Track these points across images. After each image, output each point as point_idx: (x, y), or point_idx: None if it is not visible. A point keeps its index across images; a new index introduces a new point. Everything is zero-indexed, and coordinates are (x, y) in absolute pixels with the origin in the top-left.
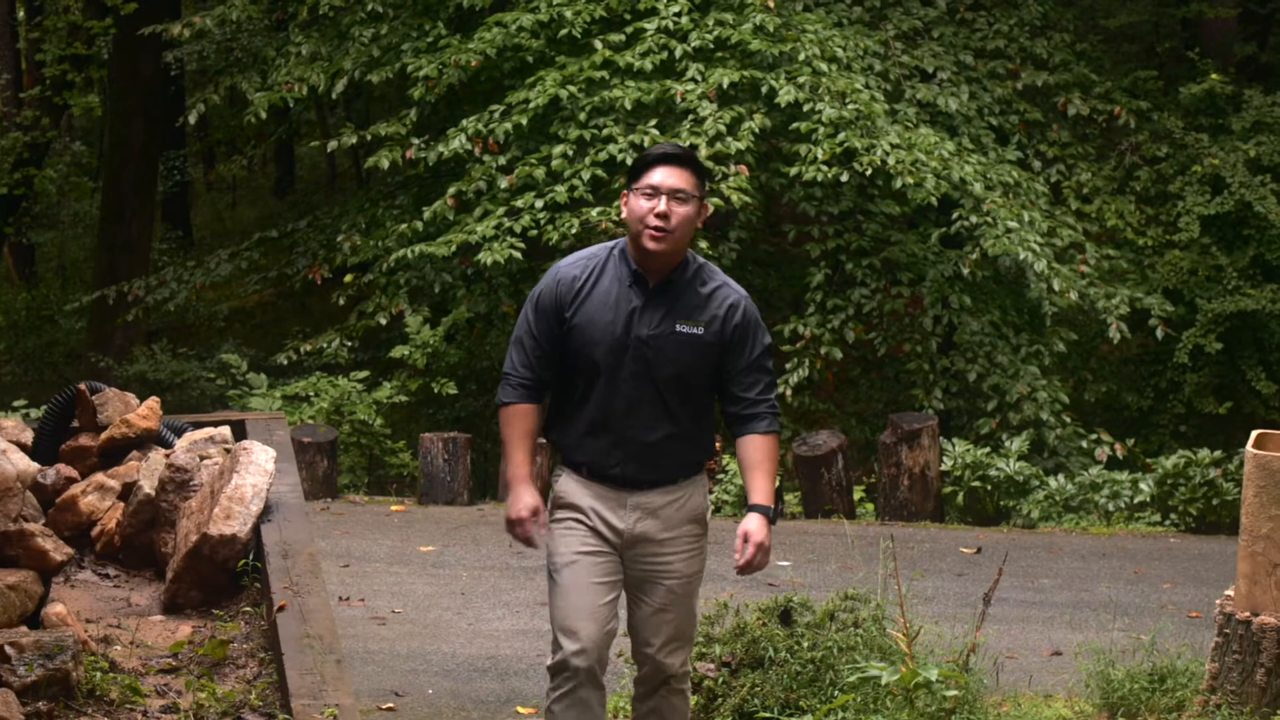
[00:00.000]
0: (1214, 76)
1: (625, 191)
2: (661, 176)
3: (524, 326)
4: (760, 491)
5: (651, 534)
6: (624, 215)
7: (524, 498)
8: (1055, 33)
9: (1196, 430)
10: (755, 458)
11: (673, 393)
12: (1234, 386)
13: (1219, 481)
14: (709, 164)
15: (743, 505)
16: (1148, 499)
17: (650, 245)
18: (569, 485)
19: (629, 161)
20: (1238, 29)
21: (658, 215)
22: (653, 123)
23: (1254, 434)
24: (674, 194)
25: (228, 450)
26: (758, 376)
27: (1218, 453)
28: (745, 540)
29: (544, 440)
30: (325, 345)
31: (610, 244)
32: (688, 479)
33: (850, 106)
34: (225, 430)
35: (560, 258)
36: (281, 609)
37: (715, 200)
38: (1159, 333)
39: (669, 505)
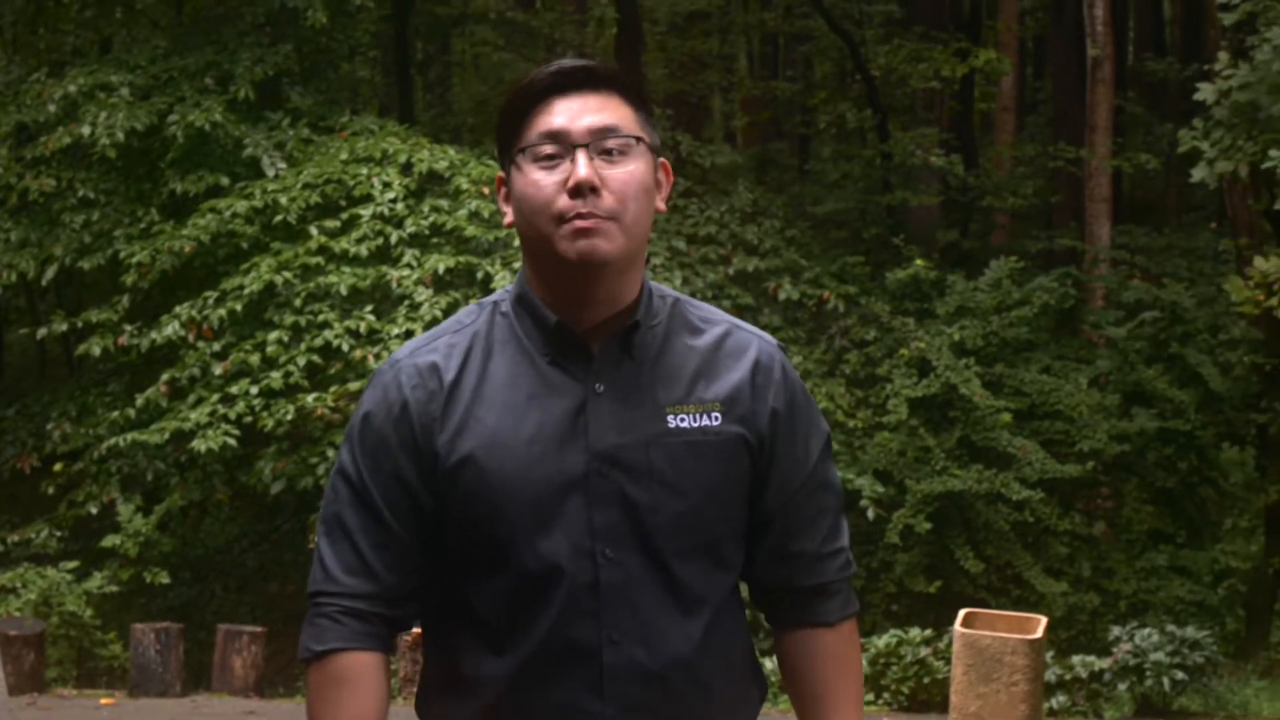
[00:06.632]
0: (919, 262)
1: (500, 174)
2: (567, 114)
3: (344, 489)
4: None
5: None
6: (507, 220)
7: None
8: (766, 219)
9: (908, 609)
10: (828, 674)
11: (688, 558)
12: (943, 565)
13: (929, 660)
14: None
15: None
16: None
17: (576, 248)
18: None
19: (345, 347)
20: (940, 216)
21: (575, 190)
22: (369, 308)
23: (962, 613)
24: (598, 140)
25: None
26: (822, 503)
27: (928, 631)
28: None
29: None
30: (33, 535)
31: (478, 305)
32: None
33: None
34: None
35: (278, 445)
36: None
37: None
38: (870, 513)
39: None
